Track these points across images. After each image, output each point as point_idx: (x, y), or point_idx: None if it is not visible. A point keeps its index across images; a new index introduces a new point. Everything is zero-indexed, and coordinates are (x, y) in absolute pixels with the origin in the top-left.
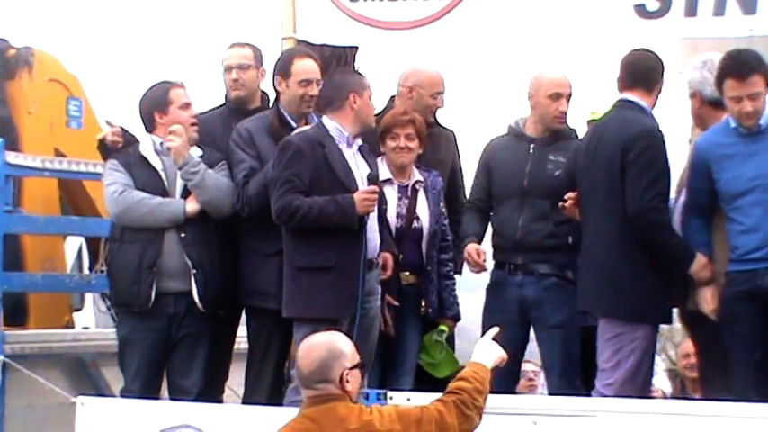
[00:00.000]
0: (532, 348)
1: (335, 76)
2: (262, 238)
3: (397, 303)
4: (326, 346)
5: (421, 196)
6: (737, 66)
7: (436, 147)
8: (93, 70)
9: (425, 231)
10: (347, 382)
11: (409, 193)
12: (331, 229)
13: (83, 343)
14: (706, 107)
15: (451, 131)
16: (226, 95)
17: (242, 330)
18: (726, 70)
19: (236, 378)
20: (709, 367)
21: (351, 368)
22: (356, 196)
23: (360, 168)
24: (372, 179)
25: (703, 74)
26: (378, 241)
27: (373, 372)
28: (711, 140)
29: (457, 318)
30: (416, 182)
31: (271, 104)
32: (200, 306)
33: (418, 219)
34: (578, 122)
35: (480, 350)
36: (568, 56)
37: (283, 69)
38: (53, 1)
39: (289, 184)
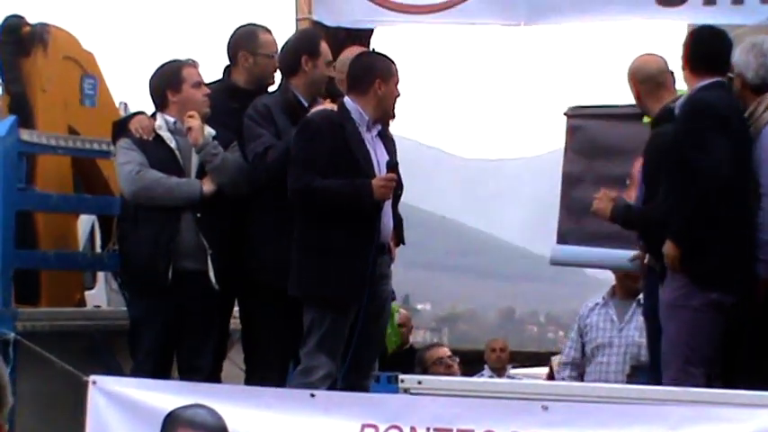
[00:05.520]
0: (464, 330)
1: (364, 57)
2: (274, 211)
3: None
4: None
5: None
6: None
7: None
8: (110, 47)
9: None
10: None
11: None
12: (346, 211)
13: (95, 322)
14: (746, 90)
15: None
16: (226, 72)
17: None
18: None
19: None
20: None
21: None
22: (374, 183)
23: (378, 153)
24: (391, 166)
25: (749, 58)
26: (391, 225)
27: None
28: None
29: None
30: None
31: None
32: (215, 286)
33: None
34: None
35: None
36: (588, 43)
37: (311, 49)
38: None
39: (306, 165)
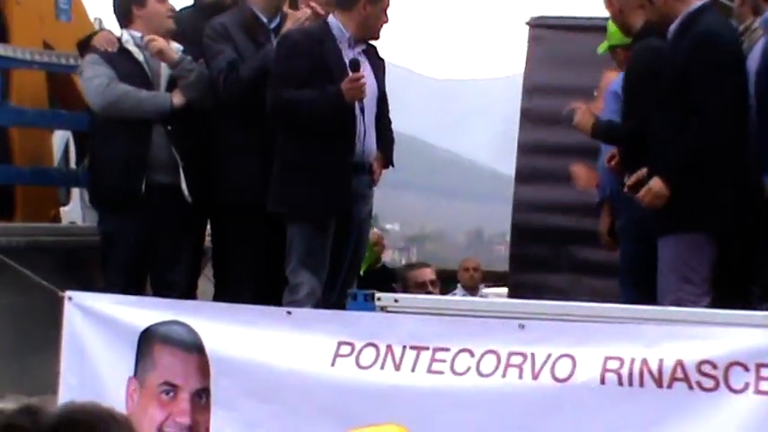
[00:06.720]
0: (432, 250)
1: None
2: (241, 129)
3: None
4: None
5: None
6: None
7: None
8: None
9: None
10: None
11: None
12: (323, 127)
13: (70, 237)
14: (746, 7)
15: None
16: None
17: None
18: None
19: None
20: None
21: None
22: (342, 85)
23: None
24: (355, 65)
25: None
26: (374, 146)
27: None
28: None
29: None
30: None
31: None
32: (188, 199)
33: None
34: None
35: None
36: None
37: None
38: None
39: (282, 80)
